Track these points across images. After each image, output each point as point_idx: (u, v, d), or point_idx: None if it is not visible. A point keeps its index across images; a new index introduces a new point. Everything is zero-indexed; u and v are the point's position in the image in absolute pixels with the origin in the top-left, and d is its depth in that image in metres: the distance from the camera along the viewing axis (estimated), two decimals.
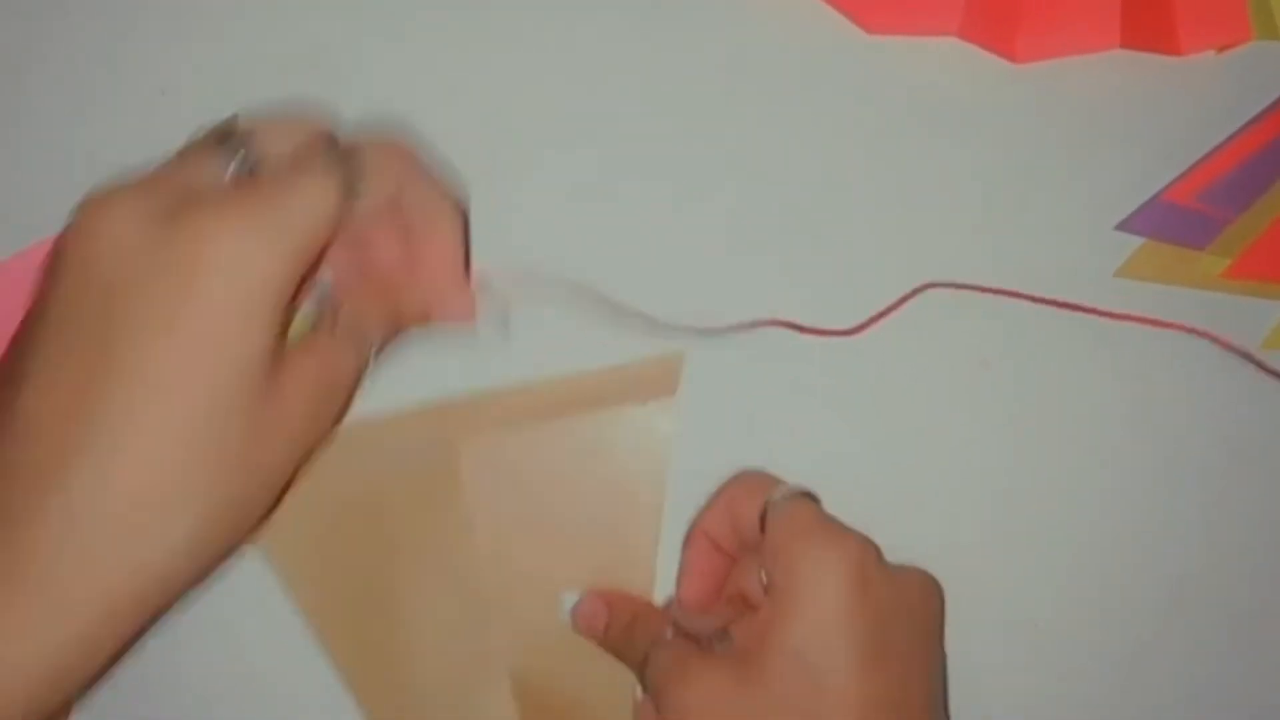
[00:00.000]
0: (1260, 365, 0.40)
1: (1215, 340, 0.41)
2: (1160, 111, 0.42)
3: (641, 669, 0.36)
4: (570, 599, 0.39)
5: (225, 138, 0.30)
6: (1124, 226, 0.42)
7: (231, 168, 0.30)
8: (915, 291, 0.40)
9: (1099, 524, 0.41)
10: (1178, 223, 0.42)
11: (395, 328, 0.34)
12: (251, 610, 0.40)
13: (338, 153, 0.30)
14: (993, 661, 0.40)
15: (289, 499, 0.33)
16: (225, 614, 0.39)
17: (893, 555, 0.36)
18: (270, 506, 0.31)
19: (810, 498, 0.36)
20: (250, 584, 0.39)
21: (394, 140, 0.33)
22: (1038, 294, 0.41)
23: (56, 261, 0.29)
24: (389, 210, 0.32)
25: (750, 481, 0.38)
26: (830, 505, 0.37)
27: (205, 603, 0.38)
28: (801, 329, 0.40)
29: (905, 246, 0.41)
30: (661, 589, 0.40)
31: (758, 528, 0.35)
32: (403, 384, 0.39)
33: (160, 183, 0.29)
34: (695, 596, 0.38)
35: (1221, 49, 0.42)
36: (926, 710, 0.34)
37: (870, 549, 0.34)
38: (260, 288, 0.28)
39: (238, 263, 0.28)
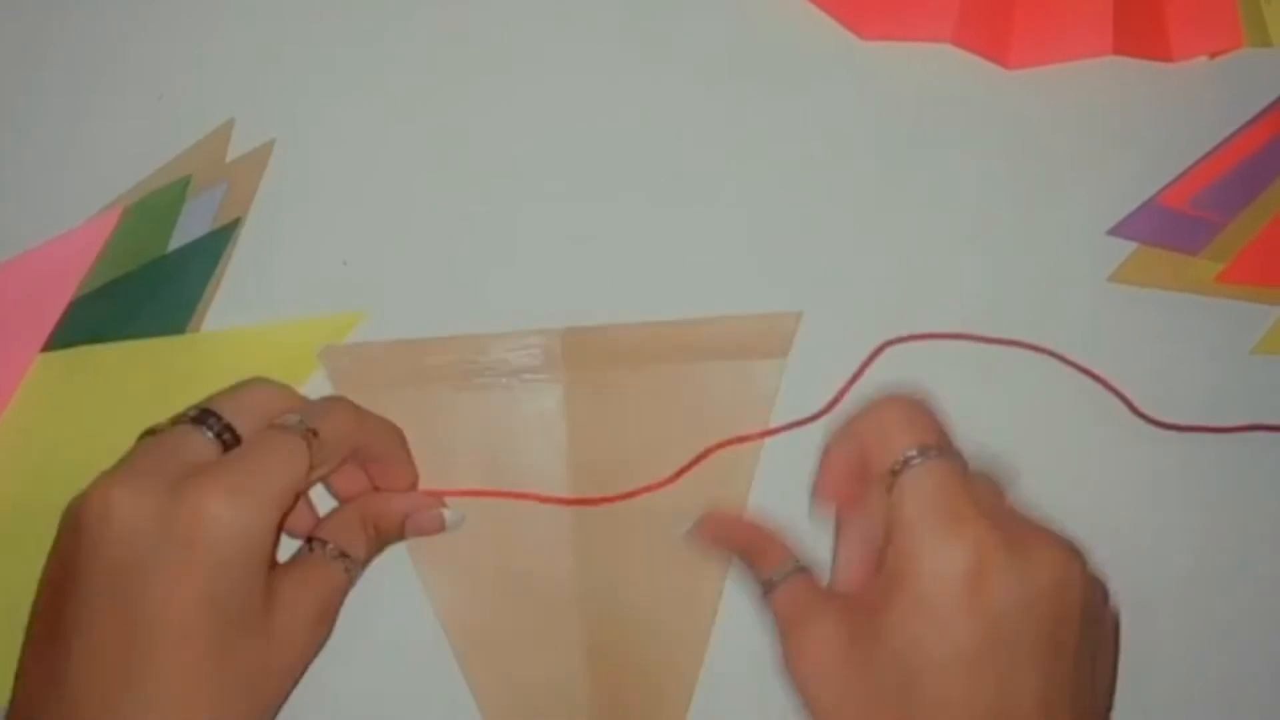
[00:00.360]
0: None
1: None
2: (1153, 117, 0.42)
3: (765, 594, 0.37)
4: (688, 529, 0.39)
5: (204, 416, 0.35)
6: (1117, 231, 0.42)
7: (214, 442, 0.35)
8: (875, 354, 0.40)
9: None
10: (1171, 227, 0.42)
11: (376, 545, 0.39)
12: None
13: (301, 417, 0.36)
14: None
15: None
16: None
17: None
18: (282, 701, 0.36)
19: (951, 457, 0.34)
20: None
21: (340, 400, 0.38)
22: (997, 335, 0.40)
23: (78, 538, 0.34)
24: (350, 457, 0.38)
25: (890, 417, 0.35)
26: None
27: None
28: (761, 435, 0.40)
29: (898, 252, 0.41)
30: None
31: (886, 478, 0.34)
32: (520, 308, 0.40)
33: (158, 463, 0.34)
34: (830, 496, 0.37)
35: (1213, 55, 0.43)
36: (1040, 712, 0.33)
37: (996, 539, 0.32)
38: (249, 541, 0.33)
39: (231, 526, 0.33)
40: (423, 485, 0.40)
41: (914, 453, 0.34)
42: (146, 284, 0.40)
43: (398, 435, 0.39)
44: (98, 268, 0.41)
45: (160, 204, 0.41)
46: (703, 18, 0.43)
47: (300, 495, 0.37)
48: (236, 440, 0.35)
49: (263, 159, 0.41)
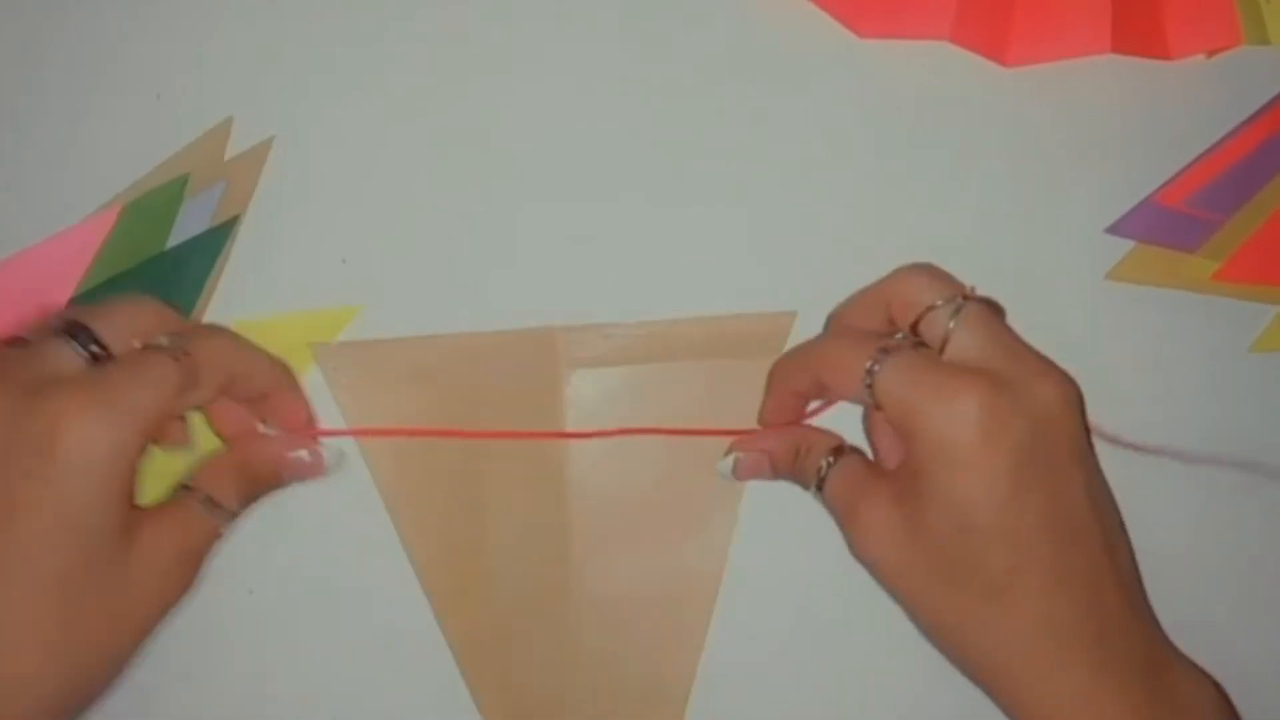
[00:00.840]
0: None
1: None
2: (1150, 115, 0.42)
3: (819, 488, 0.37)
4: (726, 464, 0.40)
5: (73, 327, 0.34)
6: (1115, 230, 0.42)
7: (82, 354, 0.34)
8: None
9: None
10: (1168, 226, 0.42)
11: (250, 493, 0.37)
12: (345, 509, 0.40)
13: (176, 340, 0.34)
14: None
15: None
16: (318, 512, 0.40)
17: None
18: (131, 656, 0.34)
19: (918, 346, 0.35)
20: (347, 485, 0.39)
21: (220, 328, 0.37)
22: None
23: None
24: (229, 387, 0.36)
25: (845, 339, 0.37)
26: None
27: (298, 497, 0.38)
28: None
29: (895, 250, 0.41)
30: (744, 538, 0.40)
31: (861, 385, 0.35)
32: (519, 308, 0.40)
33: (17, 368, 0.33)
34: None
35: (1211, 53, 0.43)
36: (1088, 520, 0.34)
37: (989, 386, 0.33)
38: (108, 460, 0.32)
39: (89, 439, 0.31)
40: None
41: (873, 361, 0.35)
42: (145, 281, 0.40)
43: (284, 370, 0.38)
44: (96, 266, 0.41)
45: (158, 202, 0.41)
46: (700, 16, 0.43)
47: (167, 420, 0.35)
48: (108, 357, 0.34)
49: (261, 156, 0.41)
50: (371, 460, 0.40)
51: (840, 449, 0.38)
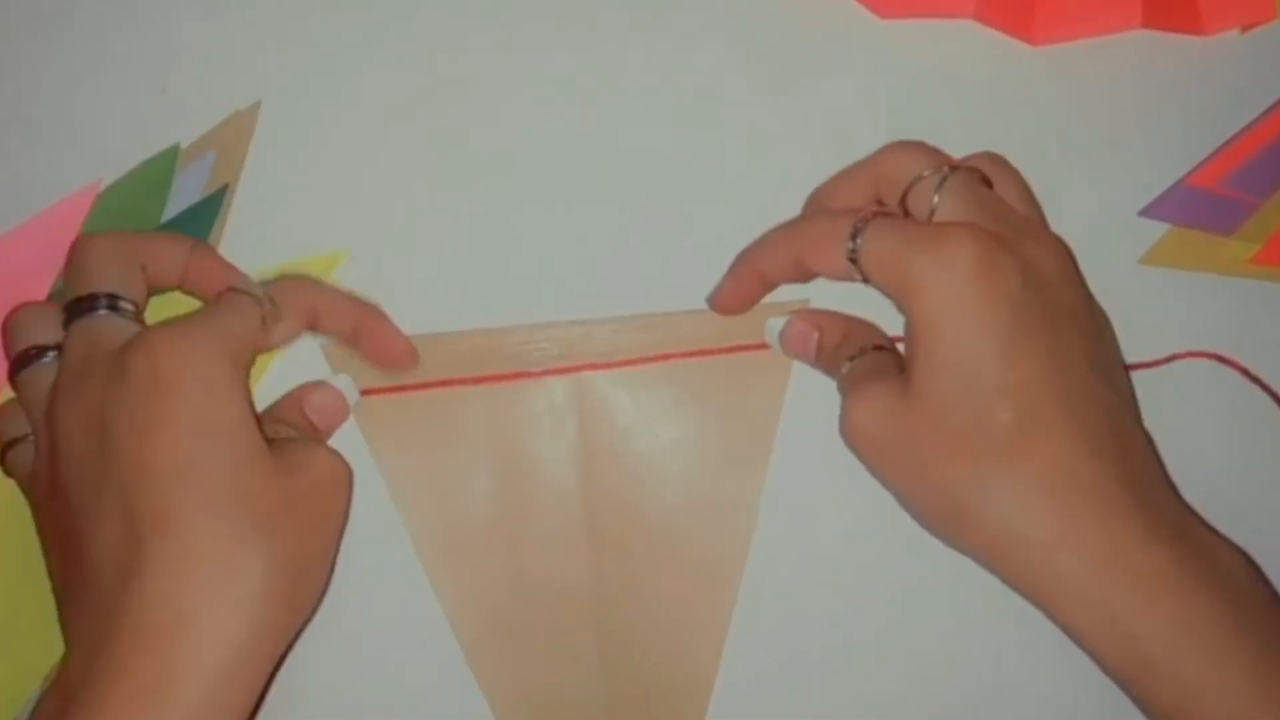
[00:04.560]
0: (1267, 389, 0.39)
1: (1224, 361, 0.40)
2: (1183, 94, 0.41)
3: (842, 379, 0.36)
4: (777, 324, 0.39)
5: (88, 300, 0.35)
6: (1148, 213, 0.41)
7: (106, 312, 0.35)
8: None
9: None
10: (1204, 208, 0.41)
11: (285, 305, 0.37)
12: (358, 512, 0.38)
13: (252, 284, 0.37)
14: (1015, 663, 0.39)
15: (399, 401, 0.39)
16: None
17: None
18: (322, 581, 0.34)
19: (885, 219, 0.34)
20: (360, 487, 0.38)
21: (298, 275, 0.38)
22: None
23: (52, 432, 0.33)
24: (314, 323, 0.38)
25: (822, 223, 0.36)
26: None
27: None
28: None
29: None
30: (763, 533, 0.39)
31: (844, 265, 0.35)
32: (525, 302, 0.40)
33: (85, 353, 0.34)
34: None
35: (1245, 28, 0.41)
36: (1094, 381, 0.33)
37: (979, 234, 0.33)
38: (211, 371, 0.32)
39: (187, 359, 0.32)
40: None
41: (854, 230, 0.34)
42: None
43: (369, 306, 0.38)
44: None
45: (150, 176, 0.40)
46: None
47: (258, 352, 0.36)
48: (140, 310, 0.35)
49: (250, 123, 0.41)
50: (386, 465, 0.39)
51: (878, 347, 0.36)
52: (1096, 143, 0.41)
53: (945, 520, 0.34)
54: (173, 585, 0.31)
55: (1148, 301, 0.40)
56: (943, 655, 0.39)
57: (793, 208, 0.40)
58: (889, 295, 0.34)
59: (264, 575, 0.31)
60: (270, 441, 0.34)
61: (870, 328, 0.38)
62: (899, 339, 0.38)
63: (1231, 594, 0.32)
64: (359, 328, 0.38)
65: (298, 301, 0.37)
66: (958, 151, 0.41)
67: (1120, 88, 0.41)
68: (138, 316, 0.35)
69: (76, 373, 0.33)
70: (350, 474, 0.36)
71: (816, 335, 0.38)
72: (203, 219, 0.40)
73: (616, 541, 0.39)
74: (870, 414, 0.34)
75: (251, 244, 0.40)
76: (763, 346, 0.39)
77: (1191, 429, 0.38)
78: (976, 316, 0.32)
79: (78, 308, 0.35)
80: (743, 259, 0.38)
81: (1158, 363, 0.39)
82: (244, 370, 0.34)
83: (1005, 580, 0.33)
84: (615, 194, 0.41)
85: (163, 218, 0.40)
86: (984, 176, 0.36)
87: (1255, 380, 0.40)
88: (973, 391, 0.32)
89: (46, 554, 0.35)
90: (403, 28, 0.42)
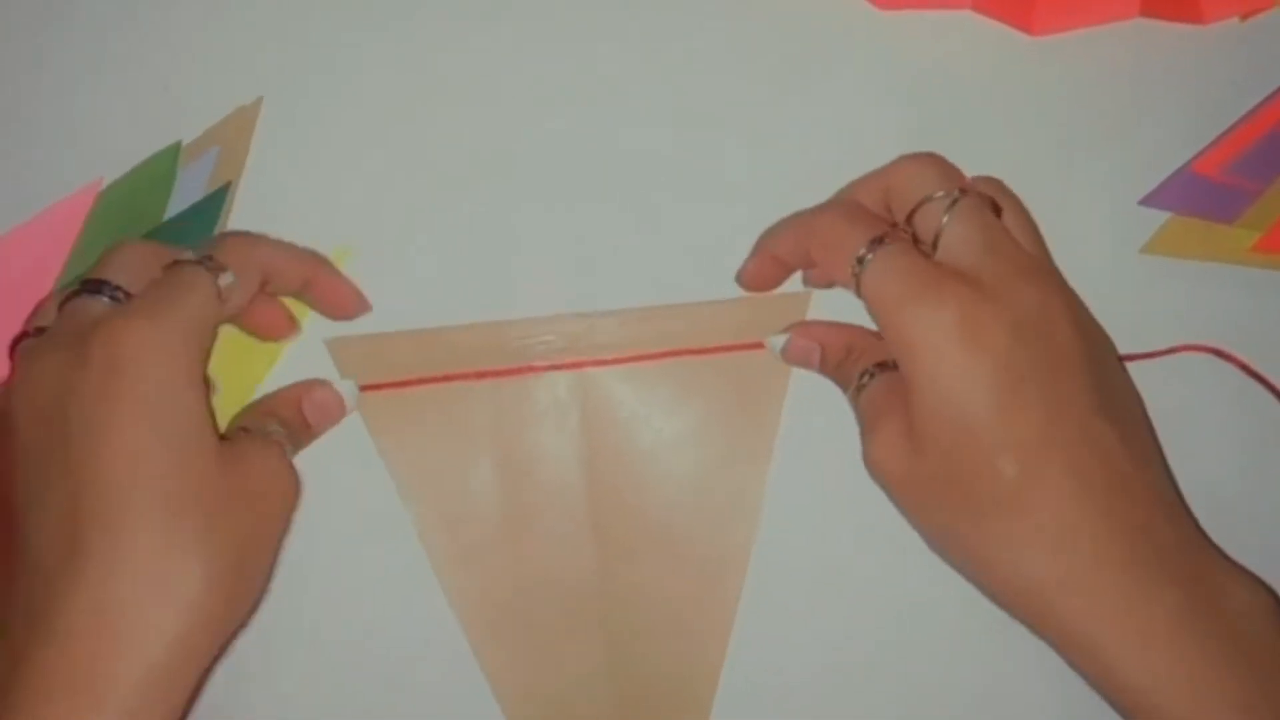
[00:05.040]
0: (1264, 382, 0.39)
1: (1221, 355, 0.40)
2: (1183, 82, 0.41)
3: (854, 397, 0.37)
4: (778, 341, 0.39)
5: (88, 285, 0.34)
6: (1149, 201, 0.41)
7: (107, 300, 0.34)
8: None
9: None
10: (1205, 196, 0.40)
11: (293, 438, 0.37)
12: (363, 509, 0.39)
13: (199, 251, 0.35)
14: (1018, 660, 0.39)
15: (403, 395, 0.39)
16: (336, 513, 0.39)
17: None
18: (261, 585, 0.34)
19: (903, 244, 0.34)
20: (367, 485, 0.39)
21: (238, 232, 0.38)
22: None
23: (11, 419, 0.33)
24: (267, 282, 0.37)
25: (840, 223, 0.36)
26: None
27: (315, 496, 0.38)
28: None
29: None
30: (767, 528, 0.39)
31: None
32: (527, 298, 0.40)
33: (63, 326, 0.34)
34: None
35: (1245, 16, 0.41)
36: (1097, 423, 0.33)
37: (969, 294, 0.33)
38: (171, 360, 0.32)
39: (148, 344, 0.32)
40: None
41: (865, 250, 0.34)
42: None
43: (318, 257, 0.38)
44: (83, 244, 0.40)
45: (152, 173, 0.40)
46: None
47: (217, 325, 0.36)
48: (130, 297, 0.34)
49: (251, 119, 0.41)
50: (390, 460, 0.39)
51: (886, 364, 0.36)
52: (1096, 132, 0.41)
53: (954, 559, 0.34)
54: (110, 589, 0.31)
55: (1148, 291, 0.40)
56: (947, 651, 0.39)
57: (793, 202, 0.40)
58: (877, 325, 0.34)
59: (201, 581, 0.31)
60: (226, 438, 0.34)
61: (874, 339, 0.38)
62: None
63: (1234, 641, 0.32)
64: (309, 279, 0.38)
65: (247, 262, 0.36)
66: (958, 145, 0.41)
67: (1120, 77, 0.41)
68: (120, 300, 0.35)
69: (48, 342, 0.33)
70: (298, 484, 0.35)
71: (818, 351, 0.38)
72: (205, 216, 0.40)
73: (621, 536, 0.39)
74: (887, 453, 0.34)
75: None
76: (752, 346, 0.40)
77: (1190, 421, 0.38)
78: (964, 374, 0.32)
79: (77, 290, 0.35)
80: (762, 241, 0.39)
81: (1157, 354, 0.39)
82: (205, 353, 0.34)
83: (1014, 618, 0.34)
84: (616, 189, 0.41)
85: (165, 215, 0.40)
86: (994, 203, 0.36)
87: (1254, 375, 0.39)
88: (970, 445, 0.32)
89: None
90: (404, 24, 0.42)
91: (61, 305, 0.35)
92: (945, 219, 0.34)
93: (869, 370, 0.36)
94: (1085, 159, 0.41)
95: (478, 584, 0.39)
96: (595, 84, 0.41)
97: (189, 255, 0.35)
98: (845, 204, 0.37)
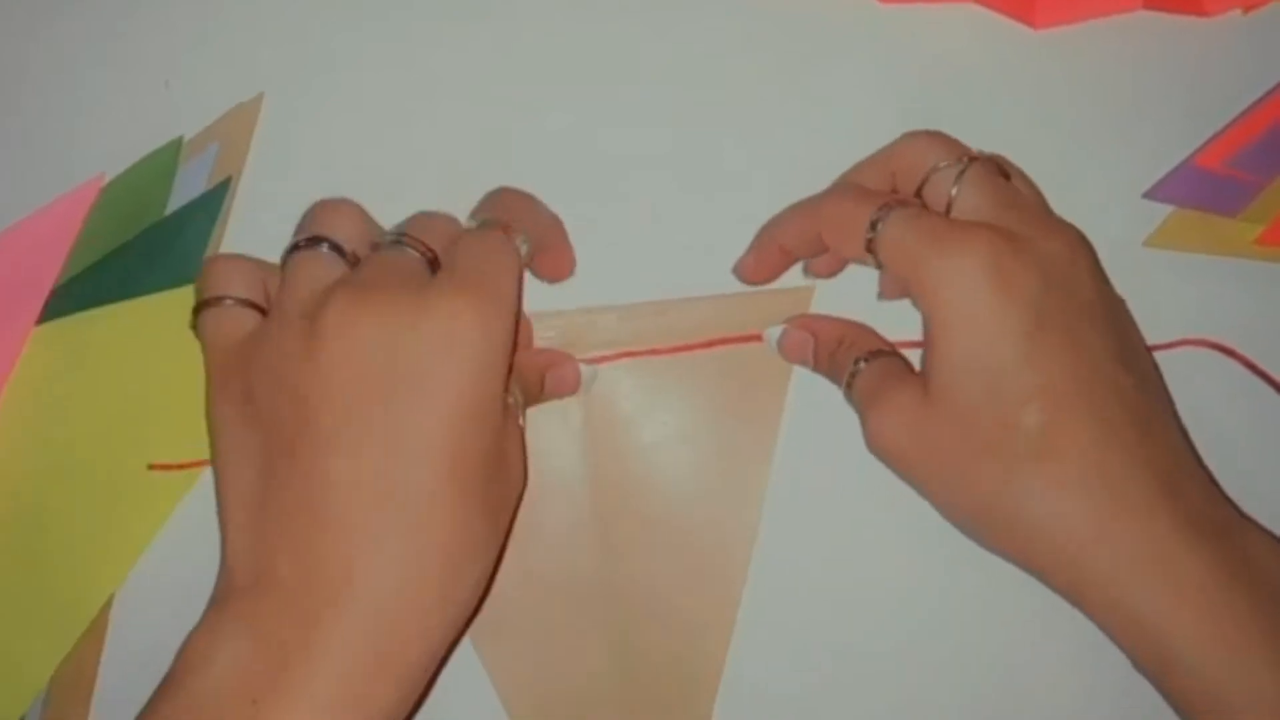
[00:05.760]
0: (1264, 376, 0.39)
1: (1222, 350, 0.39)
2: (1186, 74, 0.41)
3: (850, 385, 0.36)
4: (774, 332, 0.39)
5: (391, 238, 0.34)
6: (1152, 195, 0.40)
7: (414, 254, 0.33)
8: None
9: None
10: (1208, 189, 0.40)
11: (525, 398, 0.36)
12: None
13: (480, 214, 0.35)
14: (1025, 651, 0.39)
15: None
16: None
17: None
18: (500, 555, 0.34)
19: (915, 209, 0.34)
20: None
21: (501, 189, 0.37)
22: None
23: (315, 356, 0.31)
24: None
25: (848, 195, 0.36)
26: None
27: None
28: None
29: None
30: (769, 522, 0.39)
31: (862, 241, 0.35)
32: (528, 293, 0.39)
33: (387, 277, 0.32)
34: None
35: (1248, 8, 0.41)
36: (1120, 375, 0.33)
37: (997, 236, 0.32)
38: (500, 345, 0.32)
39: (484, 329, 0.31)
40: None
41: (876, 215, 0.34)
42: (145, 249, 0.40)
43: (559, 221, 0.38)
44: (84, 241, 0.40)
45: (153, 169, 0.40)
46: None
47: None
48: (434, 258, 0.33)
49: (253, 114, 0.41)
50: None
51: (879, 351, 0.36)
52: (1099, 125, 0.41)
53: (977, 523, 0.34)
54: (411, 569, 0.30)
55: (1152, 284, 0.40)
56: (951, 647, 0.39)
57: (795, 196, 0.40)
58: (904, 289, 0.34)
59: (486, 562, 0.32)
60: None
61: (867, 331, 0.38)
62: (901, 344, 0.38)
63: (1262, 590, 0.31)
64: (551, 244, 0.38)
65: (528, 223, 0.36)
66: (960, 138, 0.41)
67: (1122, 70, 0.41)
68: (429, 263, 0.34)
69: (371, 287, 0.32)
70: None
71: (812, 343, 0.38)
72: (206, 212, 0.40)
73: (623, 532, 0.39)
74: (893, 424, 0.34)
75: (255, 237, 0.40)
76: (746, 338, 0.40)
77: (1191, 415, 0.37)
78: (995, 320, 0.32)
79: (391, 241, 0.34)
80: (765, 231, 0.38)
81: (1159, 347, 0.39)
82: (514, 333, 0.33)
83: (1038, 577, 0.33)
84: (617, 184, 0.41)
85: (165, 211, 0.40)
86: (1000, 168, 0.36)
87: (1257, 371, 0.39)
88: (997, 395, 0.32)
89: (224, 440, 0.33)
90: (406, 20, 0.42)
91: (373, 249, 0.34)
92: (955, 189, 0.34)
93: (861, 358, 0.36)
94: (1088, 152, 0.41)
95: None
96: (596, 80, 0.41)
97: (480, 219, 0.35)
98: (849, 185, 0.37)
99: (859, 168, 0.38)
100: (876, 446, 0.35)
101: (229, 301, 0.34)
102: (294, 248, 0.34)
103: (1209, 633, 0.31)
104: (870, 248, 0.34)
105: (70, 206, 0.40)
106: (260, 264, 0.35)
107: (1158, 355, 0.38)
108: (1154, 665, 0.32)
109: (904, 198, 0.35)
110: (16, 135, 0.41)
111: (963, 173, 0.34)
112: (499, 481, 0.32)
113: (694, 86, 0.41)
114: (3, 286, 0.40)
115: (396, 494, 0.30)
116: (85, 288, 0.40)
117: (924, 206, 0.35)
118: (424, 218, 0.35)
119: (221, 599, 0.31)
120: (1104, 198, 0.41)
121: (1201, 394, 0.39)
